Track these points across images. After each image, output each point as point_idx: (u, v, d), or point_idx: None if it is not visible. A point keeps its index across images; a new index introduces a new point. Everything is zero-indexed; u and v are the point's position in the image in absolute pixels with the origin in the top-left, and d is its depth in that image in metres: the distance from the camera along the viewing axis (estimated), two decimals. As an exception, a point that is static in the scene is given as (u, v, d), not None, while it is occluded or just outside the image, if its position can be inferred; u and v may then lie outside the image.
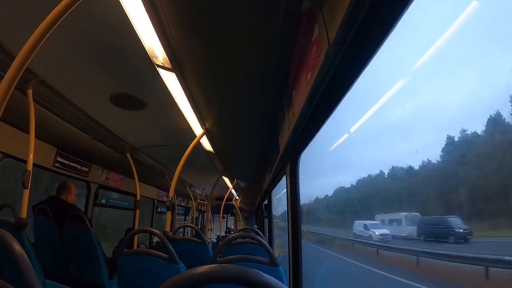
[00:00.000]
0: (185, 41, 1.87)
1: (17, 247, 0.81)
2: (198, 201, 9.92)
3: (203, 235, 3.42)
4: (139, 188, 4.79)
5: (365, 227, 6.95)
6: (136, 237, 4.80)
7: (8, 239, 0.83)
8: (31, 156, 2.27)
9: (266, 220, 6.76)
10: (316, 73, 1.23)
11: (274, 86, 2.27)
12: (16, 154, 3.10)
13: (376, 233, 6.36)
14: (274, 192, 5.16)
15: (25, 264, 0.78)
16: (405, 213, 5.37)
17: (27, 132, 2.30)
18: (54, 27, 1.38)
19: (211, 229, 10.79)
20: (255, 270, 0.52)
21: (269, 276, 0.52)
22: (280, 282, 0.52)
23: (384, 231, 6.16)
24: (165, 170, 5.80)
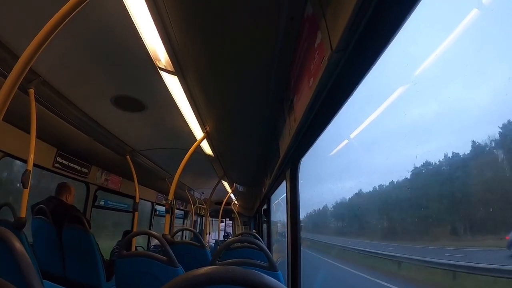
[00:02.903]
0: (188, 45, 1.88)
1: (17, 244, 0.81)
2: (197, 205, 9.90)
3: (201, 239, 3.41)
4: (138, 191, 4.78)
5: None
6: (134, 240, 4.79)
7: (9, 237, 0.83)
8: (32, 156, 2.27)
9: (265, 225, 6.74)
10: (318, 79, 1.23)
11: (275, 91, 2.28)
12: (17, 154, 3.10)
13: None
14: (273, 197, 5.15)
15: (26, 263, 0.78)
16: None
17: (28, 131, 2.30)
18: (59, 28, 1.39)
19: (210, 233, 10.76)
20: (256, 272, 0.52)
21: (270, 278, 0.52)
22: (282, 284, 0.52)
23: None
24: (165, 173, 5.80)
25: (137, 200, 4.81)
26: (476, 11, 1.53)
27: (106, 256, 4.55)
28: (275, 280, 0.52)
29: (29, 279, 0.76)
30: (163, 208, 7.98)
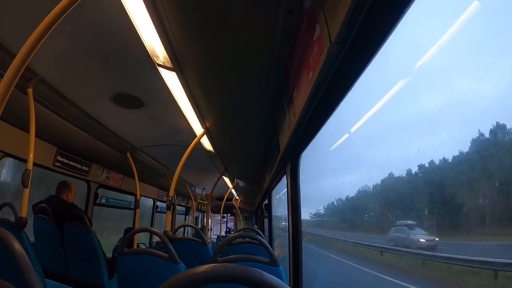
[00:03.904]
0: (186, 41, 1.87)
1: (17, 246, 0.81)
2: (198, 201, 9.92)
3: (203, 235, 3.42)
4: (139, 188, 4.79)
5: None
6: (136, 236, 4.80)
7: (8, 238, 0.83)
8: (31, 155, 2.26)
9: (266, 220, 6.76)
10: (317, 72, 1.22)
11: (275, 85, 2.27)
12: (17, 153, 3.10)
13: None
14: (274, 192, 5.16)
15: (25, 263, 0.78)
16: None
17: (27, 131, 2.29)
18: (55, 25, 1.38)
19: (211, 229, 10.80)
20: (256, 269, 0.52)
21: (270, 275, 0.52)
22: (282, 282, 0.51)
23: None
24: (165, 169, 5.81)
25: (138, 197, 4.82)
26: (477, 3, 1.52)
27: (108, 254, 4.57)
28: (275, 277, 0.51)
29: (29, 280, 0.76)
30: (164, 205, 8.00)
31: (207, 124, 3.32)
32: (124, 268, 2.06)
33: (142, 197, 4.96)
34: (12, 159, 3.21)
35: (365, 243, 5.67)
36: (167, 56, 2.01)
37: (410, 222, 4.44)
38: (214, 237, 10.91)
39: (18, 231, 2.18)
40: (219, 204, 9.38)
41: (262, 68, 2.09)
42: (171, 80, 2.37)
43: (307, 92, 1.42)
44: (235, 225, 15.70)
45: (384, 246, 4.89)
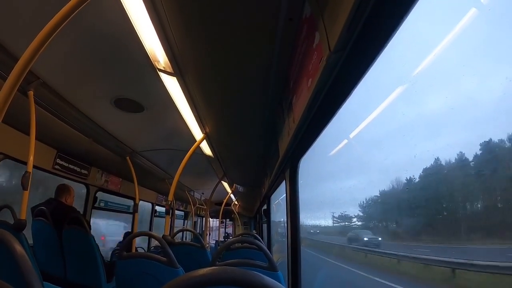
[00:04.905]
0: (187, 46, 1.88)
1: (17, 247, 0.81)
2: (197, 205, 9.88)
3: (201, 240, 3.41)
4: (138, 192, 4.78)
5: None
6: (134, 241, 4.78)
7: (9, 239, 0.83)
8: (31, 158, 2.27)
9: (265, 226, 6.74)
10: (316, 79, 1.24)
11: (275, 92, 2.29)
12: (17, 156, 3.10)
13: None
14: (273, 197, 5.15)
15: (26, 265, 0.78)
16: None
17: (28, 133, 2.30)
18: (58, 30, 1.39)
19: (210, 234, 10.76)
20: (256, 272, 0.52)
21: (270, 278, 0.52)
22: (282, 285, 0.52)
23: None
24: (165, 174, 5.80)
25: (137, 201, 4.81)
26: (475, 10, 1.53)
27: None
28: (275, 281, 0.52)
29: (29, 281, 0.76)
30: (163, 209, 7.97)
31: (207, 129, 3.33)
32: (123, 272, 2.06)
33: (141, 201, 4.95)
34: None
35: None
36: (168, 61, 2.03)
37: None
38: (212, 242, 10.87)
39: (17, 233, 2.18)
40: (218, 209, 9.35)
41: (262, 74, 2.11)
42: (172, 85, 2.38)
43: (307, 99, 1.43)
44: (234, 230, 15.64)
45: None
